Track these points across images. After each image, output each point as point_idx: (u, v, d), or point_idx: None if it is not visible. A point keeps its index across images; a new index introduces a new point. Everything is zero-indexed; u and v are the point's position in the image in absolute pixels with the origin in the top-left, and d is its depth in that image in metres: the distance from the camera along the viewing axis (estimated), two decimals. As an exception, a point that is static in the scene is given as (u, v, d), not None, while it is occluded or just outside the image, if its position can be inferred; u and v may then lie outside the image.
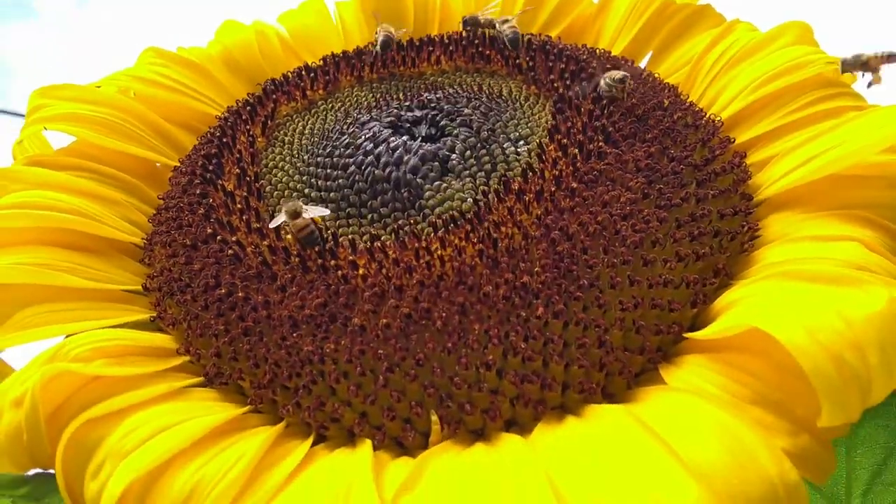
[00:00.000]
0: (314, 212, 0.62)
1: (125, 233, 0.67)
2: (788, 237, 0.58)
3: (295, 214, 0.60)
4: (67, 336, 0.57)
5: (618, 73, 0.66)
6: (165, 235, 0.66)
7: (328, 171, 0.65)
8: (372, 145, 0.65)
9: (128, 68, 0.83)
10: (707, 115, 0.71)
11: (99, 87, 0.81)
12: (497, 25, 0.76)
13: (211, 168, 0.68)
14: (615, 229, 0.56)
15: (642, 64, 0.82)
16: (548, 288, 0.53)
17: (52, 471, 0.52)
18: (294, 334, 0.55)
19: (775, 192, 0.62)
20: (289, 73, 0.80)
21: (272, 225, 0.60)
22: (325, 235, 0.60)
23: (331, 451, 0.52)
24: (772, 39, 0.74)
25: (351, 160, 0.65)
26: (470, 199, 0.61)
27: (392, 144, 0.65)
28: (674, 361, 0.53)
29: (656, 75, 0.78)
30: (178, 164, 0.75)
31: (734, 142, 0.69)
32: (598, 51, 0.79)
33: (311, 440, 0.52)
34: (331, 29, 0.91)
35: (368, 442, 0.51)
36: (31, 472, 0.54)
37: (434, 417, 0.51)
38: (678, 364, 0.53)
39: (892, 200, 0.60)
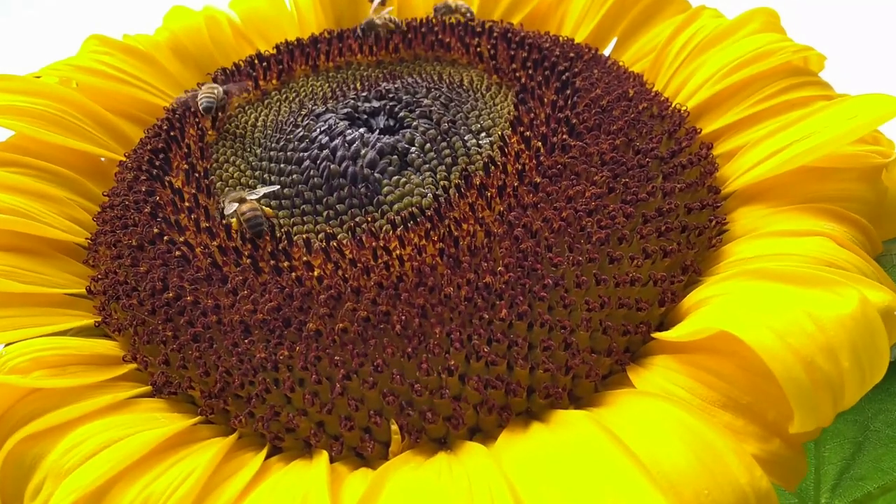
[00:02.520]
0: (260, 192, 0.60)
1: (68, 232, 0.64)
2: (757, 232, 0.57)
3: (241, 201, 0.58)
4: (6, 345, 0.54)
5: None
6: (110, 235, 0.62)
7: (281, 165, 0.62)
8: (327, 138, 0.63)
9: (70, 57, 0.79)
10: (673, 105, 0.69)
11: (38, 77, 0.77)
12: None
13: (158, 164, 0.64)
14: (580, 226, 0.54)
15: (606, 52, 0.80)
16: (511, 288, 0.51)
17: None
18: (246, 340, 0.52)
19: (743, 185, 0.61)
20: (240, 62, 0.77)
21: (226, 212, 0.57)
22: (279, 234, 0.57)
23: (286, 463, 0.49)
24: (738, 27, 0.72)
25: (305, 154, 0.62)
26: (430, 195, 0.58)
27: (348, 137, 0.62)
28: (642, 363, 0.52)
29: (621, 63, 0.76)
30: (124, 159, 0.72)
31: (700, 132, 0.67)
32: (560, 38, 0.77)
33: (264, 452, 0.50)
34: (284, 14, 0.88)
35: (325, 454, 0.49)
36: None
37: (394, 427, 0.49)
38: (646, 366, 0.51)
39: (862, 193, 0.59)
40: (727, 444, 0.42)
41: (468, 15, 0.75)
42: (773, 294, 0.46)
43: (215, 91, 0.67)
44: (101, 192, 0.70)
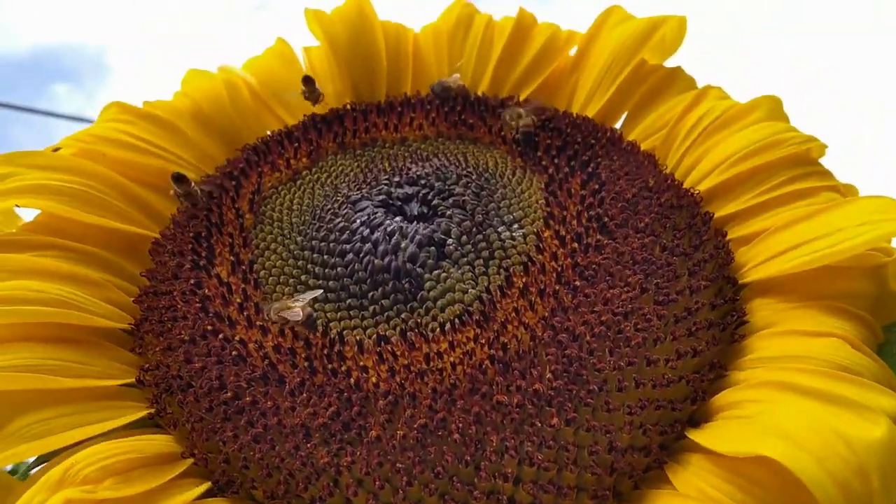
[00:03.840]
0: (307, 298, 0.62)
1: (110, 319, 0.65)
2: (776, 329, 0.61)
3: (286, 309, 0.60)
4: (70, 446, 0.56)
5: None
6: (158, 325, 0.64)
7: (325, 257, 0.65)
8: (368, 230, 0.65)
9: (91, 127, 0.80)
10: (686, 188, 0.73)
11: (59, 149, 0.77)
12: (506, 115, 0.76)
13: (202, 252, 0.66)
14: (619, 329, 0.58)
15: (617, 125, 0.84)
16: (559, 395, 0.55)
17: None
18: (308, 444, 0.55)
19: (760, 278, 0.65)
20: (269, 139, 0.79)
21: (274, 319, 0.59)
22: (332, 334, 0.60)
23: (351, 564, 0.52)
24: (745, 113, 0.76)
25: (348, 246, 0.65)
26: (471, 291, 0.62)
27: (388, 229, 0.65)
28: (678, 460, 0.56)
29: (632, 140, 0.80)
30: (159, 238, 0.73)
31: (713, 216, 0.72)
32: (576, 115, 0.80)
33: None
34: (300, 76, 0.89)
35: None
36: None
37: (454, 530, 0.53)
38: (683, 465, 0.55)
39: (867, 289, 0.64)
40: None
41: (518, 123, 0.76)
42: (806, 414, 0.50)
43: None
44: (136, 272, 0.71)
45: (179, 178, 0.71)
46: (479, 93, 0.86)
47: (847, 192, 0.72)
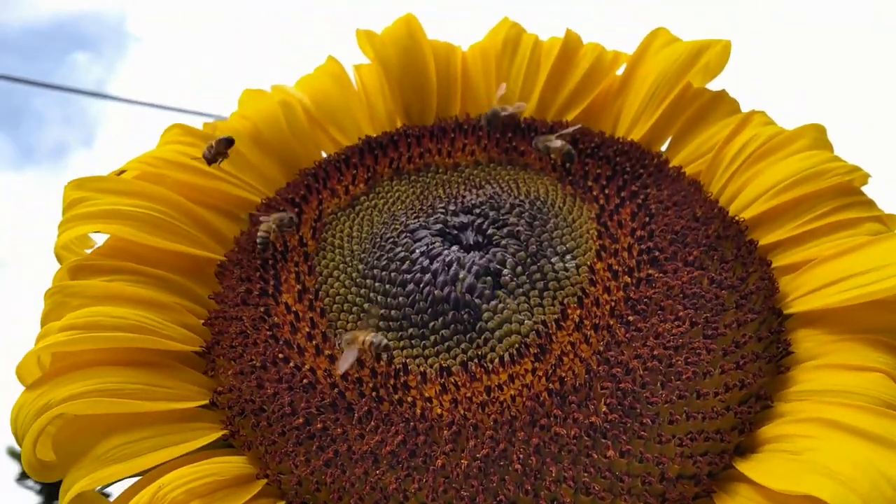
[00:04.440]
0: (371, 323, 0.65)
1: (184, 342, 0.69)
2: (821, 361, 0.64)
3: (355, 339, 0.63)
4: (153, 468, 0.60)
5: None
6: (230, 349, 0.68)
7: (386, 286, 0.68)
8: (427, 261, 0.68)
9: (154, 150, 0.83)
10: (733, 217, 0.75)
11: (124, 171, 0.80)
12: (538, 145, 0.79)
13: (271, 281, 0.70)
14: (670, 363, 0.61)
15: (662, 148, 0.86)
16: (614, 427, 0.58)
17: None
18: (377, 470, 0.58)
19: (807, 309, 0.67)
20: (327, 164, 0.82)
21: (344, 366, 0.63)
22: (394, 362, 0.63)
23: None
24: (790, 140, 0.78)
25: (409, 276, 0.68)
26: (527, 322, 0.65)
27: (447, 259, 0.68)
28: (727, 489, 0.58)
29: (678, 165, 0.82)
30: (225, 261, 0.76)
31: (758, 244, 0.74)
32: (623, 143, 0.83)
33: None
34: (353, 96, 0.92)
35: None
36: None
37: (516, 555, 0.56)
38: (731, 495, 0.58)
39: (907, 324, 0.66)
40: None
41: (556, 143, 0.79)
42: (853, 454, 0.53)
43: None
44: (204, 295, 0.75)
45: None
46: (527, 115, 0.89)
47: (890, 221, 0.74)
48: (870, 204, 0.75)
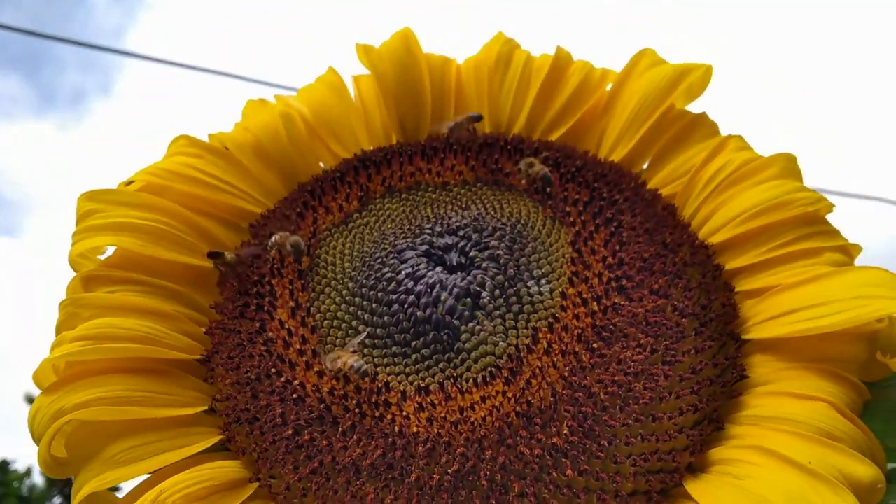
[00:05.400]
0: (354, 343, 0.71)
1: (185, 351, 0.75)
2: (771, 388, 0.69)
3: (338, 359, 0.69)
4: (154, 472, 0.66)
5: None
6: (228, 360, 0.74)
7: (373, 305, 0.73)
8: (412, 283, 0.74)
9: (161, 161, 0.88)
10: (702, 242, 0.80)
11: (132, 182, 0.85)
12: (522, 166, 0.83)
13: (266, 297, 0.75)
14: (629, 388, 0.66)
15: (644, 166, 0.90)
16: (574, 448, 0.64)
17: None
18: (358, 480, 0.64)
19: (764, 337, 0.72)
20: (323, 181, 0.86)
21: (332, 368, 0.68)
22: (377, 380, 0.69)
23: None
24: (761, 168, 0.82)
25: (394, 297, 0.73)
26: (501, 344, 0.70)
27: (430, 281, 0.73)
28: (675, 506, 0.65)
29: (652, 187, 0.87)
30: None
31: (723, 269, 0.79)
32: (603, 166, 0.87)
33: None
34: (350, 108, 0.96)
35: None
36: None
37: (480, 562, 0.62)
38: (680, 513, 0.64)
39: (857, 354, 0.71)
40: None
41: (535, 170, 0.84)
42: (787, 485, 0.58)
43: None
44: (206, 304, 0.80)
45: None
46: (515, 131, 0.93)
47: (852, 251, 0.79)
48: (834, 233, 0.79)
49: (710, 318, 0.73)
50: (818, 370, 0.69)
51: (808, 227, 0.78)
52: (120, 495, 0.67)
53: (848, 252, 0.78)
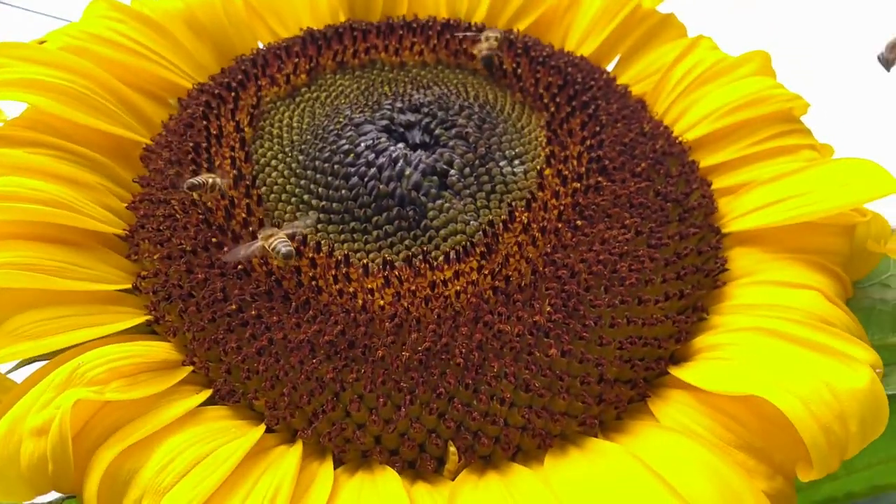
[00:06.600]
0: (296, 226, 0.62)
1: (106, 223, 0.65)
2: (755, 278, 0.65)
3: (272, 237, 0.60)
4: (67, 348, 0.56)
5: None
6: (156, 233, 0.64)
7: (329, 178, 0.65)
8: (373, 155, 0.66)
9: (79, 22, 0.77)
10: (677, 137, 0.75)
11: (44, 42, 0.74)
12: (482, 39, 0.76)
13: (204, 165, 0.66)
14: (614, 268, 0.61)
15: (609, 67, 0.85)
16: (557, 327, 0.58)
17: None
18: (313, 359, 0.56)
19: (743, 229, 0.68)
20: (266, 52, 0.77)
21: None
22: (335, 254, 0.61)
23: (351, 475, 0.55)
24: (736, 66, 0.79)
25: (353, 170, 0.65)
26: (473, 223, 0.63)
27: (393, 156, 0.66)
28: (660, 395, 0.59)
29: (624, 84, 0.82)
30: (151, 145, 0.72)
31: (698, 165, 0.74)
32: (574, 56, 0.81)
33: (330, 464, 0.55)
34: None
35: (390, 470, 0.54)
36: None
37: (452, 449, 0.55)
38: (665, 399, 0.59)
39: (840, 247, 0.68)
40: (743, 481, 0.51)
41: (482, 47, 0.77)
42: (793, 360, 0.54)
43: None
44: (128, 178, 0.70)
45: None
46: (473, 23, 0.86)
47: (824, 151, 0.76)
48: (807, 132, 0.76)
49: (691, 206, 0.68)
50: (805, 260, 0.65)
51: (784, 125, 0.75)
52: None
53: (820, 151, 0.75)
